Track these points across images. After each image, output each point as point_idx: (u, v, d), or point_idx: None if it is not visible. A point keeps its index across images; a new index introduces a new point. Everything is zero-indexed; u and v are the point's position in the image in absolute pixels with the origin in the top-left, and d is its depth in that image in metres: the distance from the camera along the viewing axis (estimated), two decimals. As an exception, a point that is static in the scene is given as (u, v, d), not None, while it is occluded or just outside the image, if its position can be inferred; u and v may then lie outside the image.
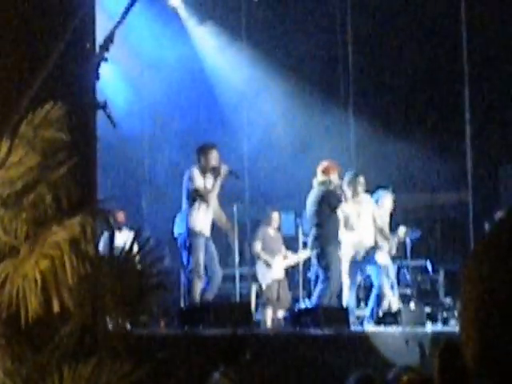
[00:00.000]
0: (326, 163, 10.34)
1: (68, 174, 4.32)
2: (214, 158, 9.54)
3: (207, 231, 9.50)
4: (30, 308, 4.13)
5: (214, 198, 9.49)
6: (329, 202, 10.07)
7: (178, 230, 9.49)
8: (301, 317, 9.24)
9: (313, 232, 10.20)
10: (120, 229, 10.54)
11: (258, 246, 11.12)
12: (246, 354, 6.16)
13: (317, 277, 10.30)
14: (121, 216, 10.60)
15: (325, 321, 8.88)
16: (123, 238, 10.20)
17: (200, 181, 9.42)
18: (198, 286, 9.25)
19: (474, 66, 13.04)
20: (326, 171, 10.21)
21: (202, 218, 9.43)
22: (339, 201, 10.11)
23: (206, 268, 9.36)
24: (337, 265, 10.08)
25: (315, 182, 10.29)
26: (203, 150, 9.57)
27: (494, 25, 12.76)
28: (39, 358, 4.23)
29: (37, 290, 4.16)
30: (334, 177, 10.22)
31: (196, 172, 9.47)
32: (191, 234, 9.30)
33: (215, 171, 9.49)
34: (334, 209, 10.08)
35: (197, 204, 9.40)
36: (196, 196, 9.38)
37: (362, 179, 10.62)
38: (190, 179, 9.42)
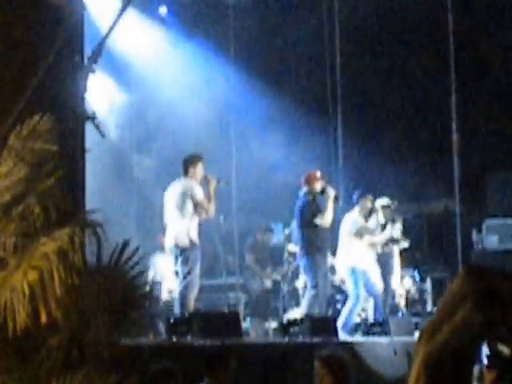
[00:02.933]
0: (308, 173, 10.44)
1: (56, 185, 4.32)
2: (201, 169, 9.57)
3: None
4: (18, 319, 4.12)
5: (213, 209, 9.52)
6: (308, 212, 10.13)
7: (174, 243, 9.44)
8: (289, 326, 9.24)
9: (300, 241, 10.23)
10: (162, 250, 10.55)
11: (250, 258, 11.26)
12: (232, 364, 6.16)
13: (305, 286, 10.35)
14: (162, 239, 10.47)
15: (313, 330, 8.90)
16: (166, 260, 10.22)
17: (201, 193, 9.45)
18: (194, 295, 9.29)
19: (461, 75, 13.10)
20: (306, 181, 10.34)
21: (197, 230, 9.49)
22: (317, 211, 10.13)
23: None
24: (324, 273, 10.12)
25: (300, 192, 10.40)
26: (193, 162, 9.59)
27: (482, 36, 12.84)
28: (27, 369, 4.23)
29: (25, 301, 4.16)
30: (314, 186, 10.32)
31: (196, 185, 9.48)
32: (193, 247, 9.33)
33: (205, 181, 9.51)
34: (311, 219, 10.09)
35: (195, 216, 9.42)
36: (200, 209, 9.39)
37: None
38: (193, 192, 9.40)
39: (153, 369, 5.87)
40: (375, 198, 11.19)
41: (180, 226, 9.35)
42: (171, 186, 9.65)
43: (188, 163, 9.57)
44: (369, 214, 10.84)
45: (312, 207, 10.18)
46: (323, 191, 10.29)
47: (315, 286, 10.01)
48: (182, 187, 9.45)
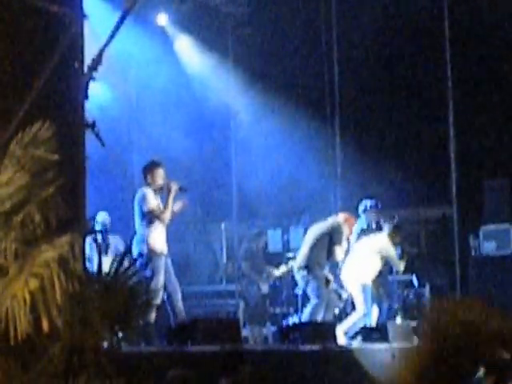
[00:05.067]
0: (352, 218, 10.94)
1: (57, 193, 4.33)
2: (160, 175, 9.50)
3: (166, 249, 9.47)
4: (19, 327, 4.13)
5: (169, 217, 9.46)
6: (335, 241, 10.63)
7: (137, 251, 9.16)
8: (289, 332, 9.25)
9: (305, 260, 10.59)
10: None
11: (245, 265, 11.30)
12: (245, 368, 6.31)
13: (304, 292, 10.39)
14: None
15: (312, 336, 8.90)
16: None
17: (154, 201, 9.40)
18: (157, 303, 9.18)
19: (458, 80, 13.13)
20: (346, 221, 10.81)
21: (161, 238, 9.40)
22: (337, 244, 10.65)
23: (165, 286, 9.31)
24: (323, 285, 10.38)
25: (331, 220, 10.82)
26: (150, 168, 9.53)
27: (478, 40, 12.87)
28: (28, 377, 4.23)
29: (26, 309, 4.16)
30: (346, 229, 10.79)
31: (149, 192, 9.42)
32: (153, 255, 9.22)
33: (164, 189, 9.48)
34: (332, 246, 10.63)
35: (154, 224, 9.36)
36: (153, 217, 9.35)
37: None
38: (144, 200, 9.36)
39: (168, 376, 5.91)
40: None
41: (138, 234, 9.34)
42: (136, 194, 9.66)
43: (145, 170, 9.55)
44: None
45: (331, 236, 10.65)
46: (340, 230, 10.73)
47: (319, 296, 10.20)
48: (138, 195, 9.48)
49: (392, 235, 10.79)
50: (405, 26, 13.30)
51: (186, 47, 13.70)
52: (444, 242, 13.49)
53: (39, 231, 4.34)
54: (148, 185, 9.46)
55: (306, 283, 10.51)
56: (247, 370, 6.34)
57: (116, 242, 10.53)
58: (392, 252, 10.80)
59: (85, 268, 4.50)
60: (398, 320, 10.87)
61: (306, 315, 10.27)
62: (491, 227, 12.31)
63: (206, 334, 8.11)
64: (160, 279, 9.16)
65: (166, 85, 13.07)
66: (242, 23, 13.55)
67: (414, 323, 10.86)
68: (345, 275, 10.73)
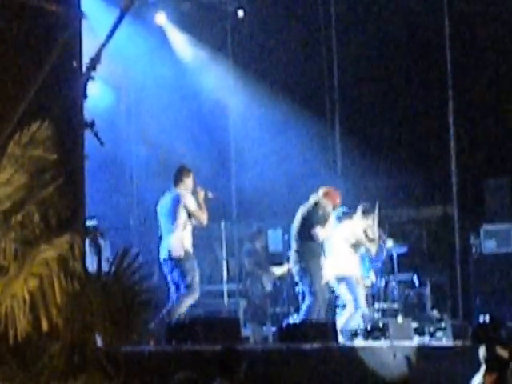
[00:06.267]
0: (332, 189, 10.42)
1: (56, 192, 4.34)
2: (192, 180, 9.63)
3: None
4: (19, 327, 4.13)
5: (206, 218, 9.56)
6: (313, 222, 10.07)
7: (172, 252, 9.39)
8: (289, 332, 9.24)
9: (295, 247, 10.19)
10: None
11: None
12: (243, 365, 6.34)
13: (303, 292, 10.29)
14: None
15: (313, 335, 8.89)
16: None
17: (194, 202, 9.48)
18: (190, 303, 9.35)
19: (458, 80, 13.13)
20: (327, 195, 10.29)
21: (191, 239, 9.51)
22: (320, 224, 10.09)
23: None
24: (319, 280, 10.06)
25: (311, 199, 10.31)
26: (185, 173, 9.62)
27: (479, 41, 12.87)
28: (28, 376, 4.24)
29: (25, 308, 4.17)
30: (328, 204, 10.25)
31: (189, 194, 9.52)
32: (189, 256, 9.37)
33: (195, 192, 9.60)
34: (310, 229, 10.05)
35: (187, 226, 9.45)
36: (192, 218, 9.43)
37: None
38: (187, 201, 9.41)
39: (175, 378, 5.92)
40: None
41: (174, 237, 9.36)
42: (163, 197, 9.67)
43: (180, 174, 9.60)
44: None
45: (314, 218, 10.11)
46: (323, 207, 10.20)
47: (314, 293, 9.98)
48: (175, 197, 9.48)
49: (363, 219, 10.65)
50: (405, 23, 13.29)
51: (185, 45, 13.70)
52: (445, 241, 13.49)
53: (38, 231, 4.34)
54: (182, 188, 9.50)
55: (300, 278, 10.16)
56: (245, 368, 6.35)
57: (103, 247, 10.53)
58: (360, 235, 10.56)
59: (84, 268, 4.49)
60: (399, 319, 10.86)
61: (301, 315, 10.16)
62: (492, 226, 12.31)
63: (205, 333, 8.11)
64: (197, 278, 9.30)
65: (165, 84, 13.07)
66: (241, 21, 13.56)
67: (414, 322, 10.88)
68: (326, 274, 10.58)
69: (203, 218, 9.44)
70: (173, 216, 9.41)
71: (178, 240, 9.34)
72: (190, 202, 9.41)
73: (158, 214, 9.66)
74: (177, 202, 9.42)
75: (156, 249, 10.21)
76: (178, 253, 9.31)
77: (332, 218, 10.29)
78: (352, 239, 10.58)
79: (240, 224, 12.96)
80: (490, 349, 6.99)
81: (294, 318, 10.69)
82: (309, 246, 10.08)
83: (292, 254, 10.31)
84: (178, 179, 9.58)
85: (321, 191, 10.32)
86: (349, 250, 10.54)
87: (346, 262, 10.50)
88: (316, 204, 10.22)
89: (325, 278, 10.34)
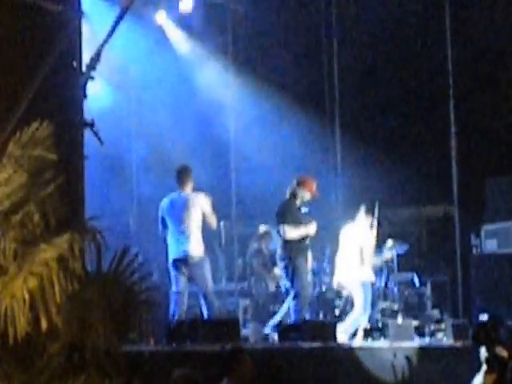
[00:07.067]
0: (308, 178, 10.21)
1: (56, 192, 4.34)
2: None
3: None
4: (19, 326, 4.13)
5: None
6: (292, 216, 9.91)
7: (193, 252, 9.57)
8: (288, 331, 9.24)
9: (280, 244, 10.09)
10: None
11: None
12: (248, 363, 6.38)
13: (287, 290, 10.23)
14: None
15: (312, 335, 8.89)
16: None
17: (210, 206, 9.74)
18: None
19: (459, 79, 13.13)
20: (301, 184, 10.07)
21: None
22: (298, 215, 9.94)
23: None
24: (305, 277, 9.97)
25: (287, 191, 10.12)
26: (190, 173, 9.78)
27: (480, 41, 12.86)
28: (28, 376, 4.23)
29: (25, 308, 4.16)
30: (304, 193, 10.06)
31: (203, 196, 9.72)
32: (205, 256, 9.69)
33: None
34: (295, 223, 9.89)
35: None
36: (207, 220, 9.68)
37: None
38: (202, 204, 9.63)
39: (174, 375, 5.93)
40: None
41: (193, 238, 9.55)
42: (171, 198, 9.70)
43: (188, 174, 9.72)
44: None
45: (291, 211, 9.95)
46: (299, 197, 10.04)
47: (298, 290, 9.83)
48: (189, 199, 9.61)
49: (367, 218, 10.59)
50: (406, 21, 13.29)
51: (185, 44, 13.70)
52: (445, 241, 13.49)
53: (38, 231, 4.34)
54: (188, 188, 9.69)
55: (286, 275, 9.96)
56: (249, 365, 6.39)
57: None
58: (361, 238, 10.47)
59: (84, 267, 4.49)
60: (399, 319, 10.86)
61: (286, 313, 10.06)
62: (493, 225, 12.30)
63: (204, 333, 8.12)
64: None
65: (164, 83, 13.07)
66: (241, 20, 13.57)
67: (415, 322, 10.87)
68: (342, 275, 10.56)
69: (215, 222, 9.64)
70: (186, 217, 9.52)
71: (198, 240, 9.52)
72: (206, 204, 9.57)
73: (164, 214, 9.68)
74: (205, 203, 9.56)
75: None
76: (199, 253, 9.50)
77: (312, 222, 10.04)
78: (366, 242, 10.57)
79: (240, 224, 12.96)
80: (490, 349, 7.00)
81: (279, 317, 10.65)
82: (292, 242, 9.91)
83: (277, 251, 10.19)
84: (185, 180, 9.65)
85: (295, 181, 10.09)
86: (369, 252, 10.53)
87: (367, 267, 10.49)
88: (293, 195, 10.02)
89: (342, 281, 10.36)
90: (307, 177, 10.25)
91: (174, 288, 9.64)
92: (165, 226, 9.75)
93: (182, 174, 9.74)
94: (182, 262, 9.57)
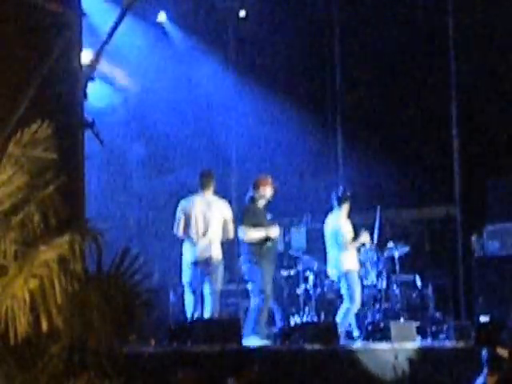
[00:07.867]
0: (259, 178, 10.21)
1: (56, 193, 4.33)
2: None
3: None
4: (19, 327, 4.12)
5: None
6: (252, 218, 9.90)
7: (218, 256, 9.72)
8: (290, 333, 9.23)
9: (244, 246, 10.02)
10: None
11: None
12: (255, 366, 6.39)
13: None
14: None
15: (314, 336, 8.88)
16: None
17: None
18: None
19: (461, 79, 13.13)
20: (260, 185, 10.08)
21: None
22: (259, 217, 9.94)
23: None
24: (270, 279, 9.91)
25: (247, 197, 10.19)
26: (213, 177, 9.95)
27: (482, 39, 12.86)
28: (28, 377, 4.23)
29: (26, 309, 4.16)
30: (265, 191, 10.04)
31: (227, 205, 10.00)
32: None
33: None
34: (254, 225, 9.87)
35: None
36: (226, 226, 9.86)
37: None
38: (226, 213, 9.83)
39: (178, 376, 5.93)
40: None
41: (216, 243, 9.73)
42: (194, 200, 9.80)
43: (211, 178, 9.88)
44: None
45: (250, 214, 9.95)
46: (258, 198, 10.01)
47: (262, 293, 9.73)
48: (223, 204, 9.83)
49: (344, 209, 10.62)
50: (408, 24, 13.29)
51: (185, 44, 13.71)
52: (447, 242, 13.48)
53: (38, 231, 4.34)
54: (210, 192, 9.86)
55: (249, 277, 9.91)
56: (256, 368, 6.40)
57: None
58: (339, 227, 10.50)
59: (84, 268, 4.48)
60: (402, 320, 10.85)
61: (250, 317, 9.98)
62: (495, 227, 12.28)
63: (205, 333, 8.11)
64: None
65: (165, 83, 13.06)
66: (241, 19, 13.58)
67: (417, 323, 10.86)
68: (328, 268, 10.63)
69: (232, 229, 9.79)
70: (208, 220, 9.69)
71: (218, 244, 9.71)
72: (227, 210, 9.81)
73: (184, 215, 9.74)
74: (215, 207, 9.75)
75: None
76: (218, 256, 9.69)
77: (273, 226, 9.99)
78: (351, 233, 10.61)
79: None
80: (491, 350, 7.00)
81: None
82: (256, 245, 9.86)
83: (242, 253, 10.15)
84: (208, 184, 9.84)
85: (251, 187, 10.13)
86: (352, 243, 10.57)
87: (352, 256, 10.53)
88: (251, 199, 10.06)
89: (330, 272, 10.42)
90: (259, 176, 10.31)
91: (190, 289, 9.68)
92: (183, 226, 9.75)
93: (205, 178, 9.87)
94: (202, 264, 9.62)
